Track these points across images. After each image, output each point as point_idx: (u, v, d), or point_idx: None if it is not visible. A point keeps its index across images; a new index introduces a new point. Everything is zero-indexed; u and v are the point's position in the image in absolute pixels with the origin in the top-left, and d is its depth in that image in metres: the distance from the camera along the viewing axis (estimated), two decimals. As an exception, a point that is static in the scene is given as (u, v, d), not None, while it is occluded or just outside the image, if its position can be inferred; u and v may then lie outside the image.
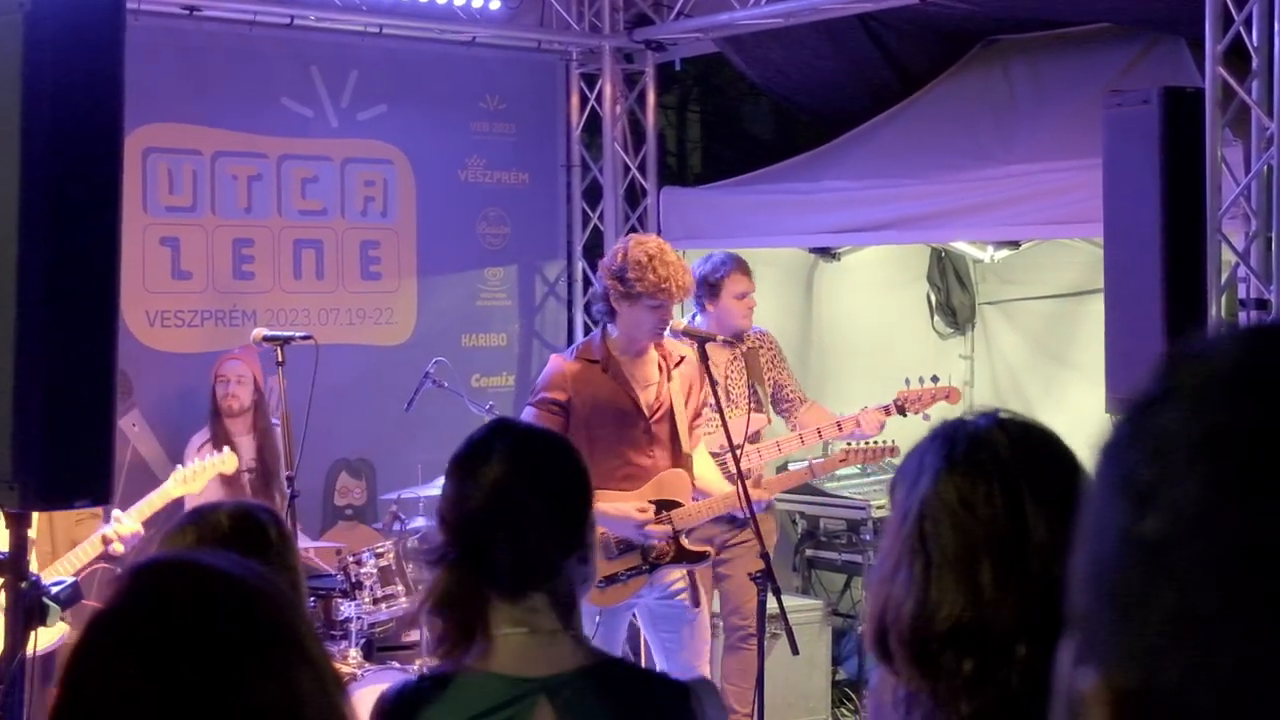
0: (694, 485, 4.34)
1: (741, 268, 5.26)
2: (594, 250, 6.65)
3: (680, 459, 4.28)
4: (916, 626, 1.38)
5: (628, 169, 6.92)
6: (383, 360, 6.30)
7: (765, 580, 4.01)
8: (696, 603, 4.27)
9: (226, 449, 4.88)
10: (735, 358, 5.28)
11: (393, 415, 6.04)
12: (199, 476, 4.65)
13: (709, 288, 5.23)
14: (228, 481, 4.89)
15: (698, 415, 4.41)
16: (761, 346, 5.41)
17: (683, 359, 4.32)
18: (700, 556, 4.28)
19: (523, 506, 1.85)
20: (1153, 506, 0.57)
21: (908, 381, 5.23)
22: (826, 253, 6.99)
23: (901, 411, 5.10)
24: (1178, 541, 0.56)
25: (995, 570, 1.36)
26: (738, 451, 4.09)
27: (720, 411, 4.24)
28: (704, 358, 4.26)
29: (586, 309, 7.00)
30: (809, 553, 6.54)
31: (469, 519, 1.86)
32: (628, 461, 4.19)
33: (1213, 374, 0.59)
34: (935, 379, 5.27)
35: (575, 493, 1.89)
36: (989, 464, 1.39)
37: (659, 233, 6.53)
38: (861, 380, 6.87)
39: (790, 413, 5.41)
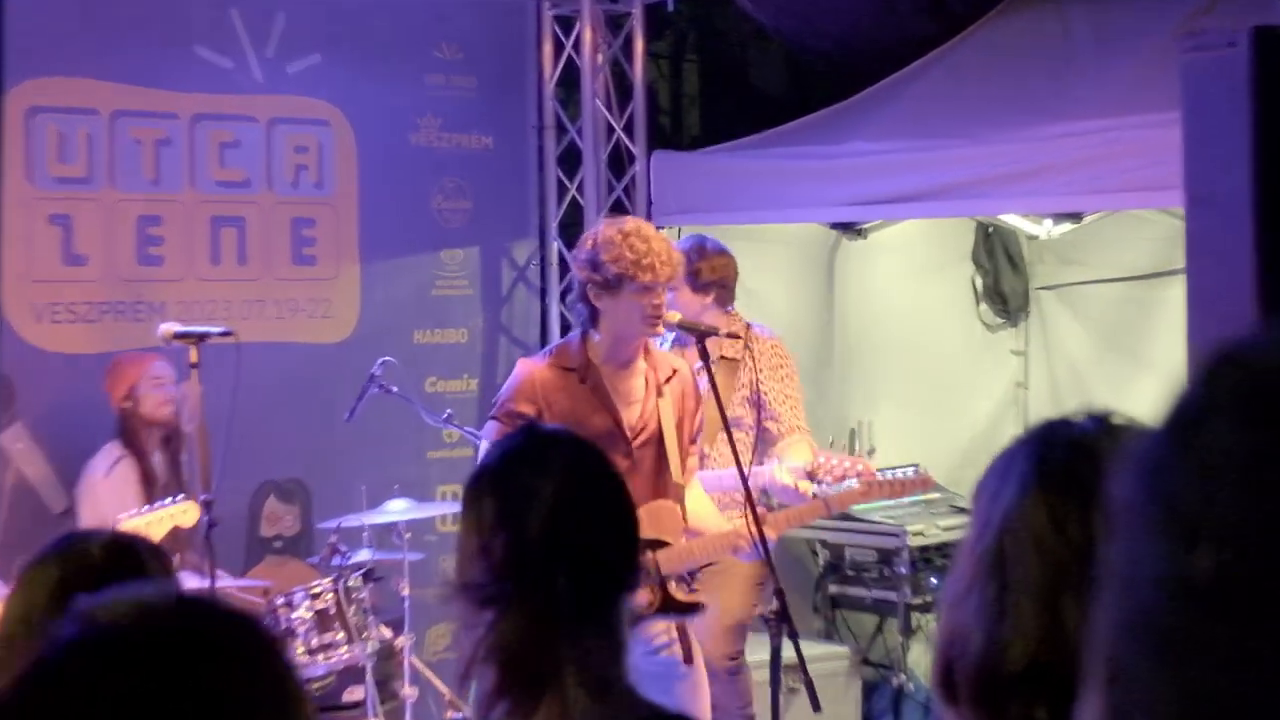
0: (685, 522, 4.34)
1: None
2: (572, 228, 6.64)
3: (668, 490, 4.28)
4: (985, 663, 1.39)
5: (611, 131, 6.91)
6: (319, 361, 6.29)
7: (781, 623, 3.99)
8: (689, 659, 4.24)
9: (182, 496, 4.82)
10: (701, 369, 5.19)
11: (331, 428, 6.01)
12: (154, 528, 4.55)
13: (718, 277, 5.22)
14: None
15: (692, 440, 4.40)
16: (745, 357, 5.19)
17: (674, 373, 4.33)
18: (691, 608, 4.25)
19: (589, 526, 1.92)
20: (1201, 538, 0.58)
21: (832, 444, 5.03)
22: (851, 229, 6.99)
23: (813, 478, 4.81)
24: (1233, 576, 0.57)
25: (1083, 605, 1.35)
26: (746, 472, 4.08)
27: (725, 422, 4.23)
28: (705, 356, 4.25)
29: (563, 298, 7.00)
30: (833, 589, 6.52)
31: (529, 545, 1.89)
32: None
33: (1257, 381, 0.59)
34: (871, 452, 5.06)
35: (632, 509, 2.01)
36: (1090, 479, 1.38)
37: (649, 206, 6.53)
38: (893, 383, 6.88)
39: (776, 440, 5.18)
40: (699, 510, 4.43)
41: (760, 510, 4.44)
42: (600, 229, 4.23)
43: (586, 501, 1.94)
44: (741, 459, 4.15)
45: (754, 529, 4.05)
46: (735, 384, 5.16)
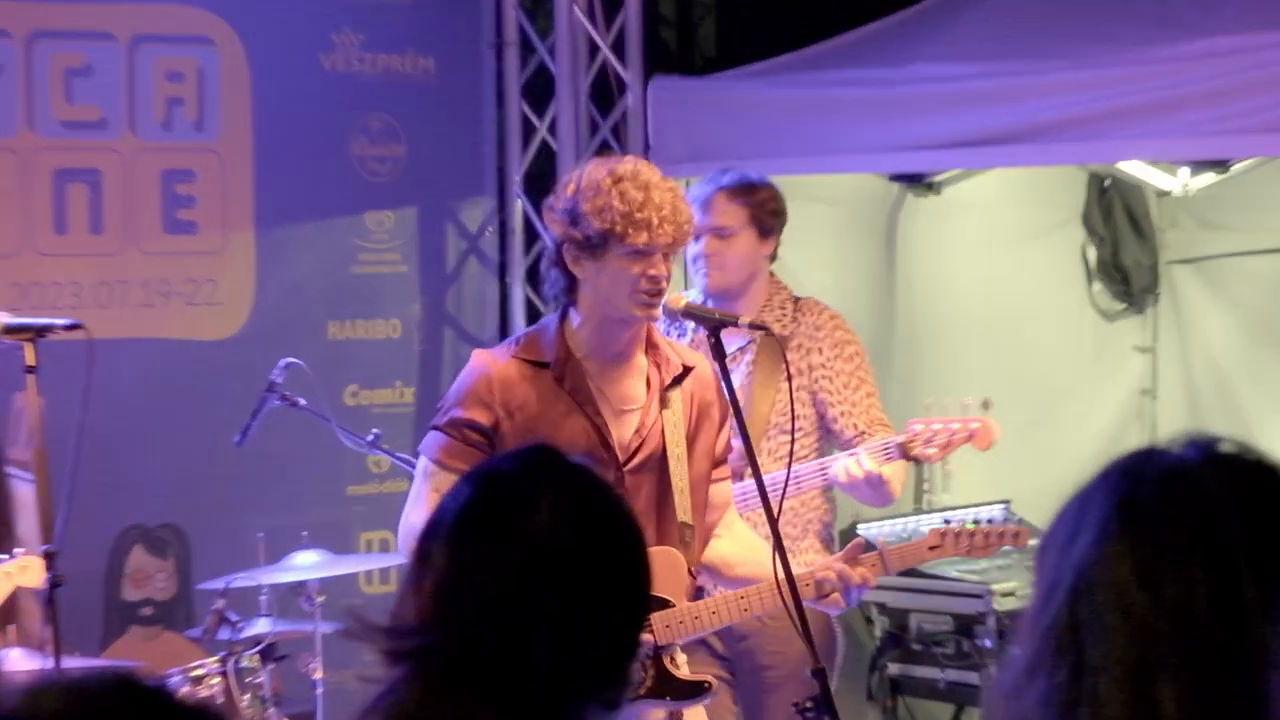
0: (706, 569, 4.36)
1: (730, 189, 5.23)
2: (541, 181, 6.64)
3: (671, 531, 4.28)
4: None
5: (595, 50, 6.91)
6: (200, 364, 6.30)
7: (820, 713, 3.99)
8: None
9: (21, 551, 4.81)
10: (739, 350, 5.23)
11: (217, 454, 6.01)
12: None
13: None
14: None
15: (720, 461, 4.41)
16: (795, 334, 5.28)
17: (688, 371, 4.32)
18: (696, 690, 4.26)
19: (579, 586, 2.00)
20: None
21: (928, 409, 5.12)
22: (918, 181, 7.00)
23: (907, 455, 5.02)
24: None
25: (1184, 687, 1.38)
26: (772, 506, 4.05)
27: (746, 442, 4.22)
28: (720, 355, 4.25)
29: (531, 278, 7.01)
30: (894, 669, 6.54)
31: (487, 598, 1.96)
32: None
33: None
34: (986, 405, 5.16)
35: (643, 565, 2.11)
36: (1190, 522, 1.41)
37: (645, 152, 6.53)
38: (974, 382, 6.86)
39: (852, 445, 5.30)
40: (741, 555, 4.43)
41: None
42: (586, 169, 4.23)
43: (589, 551, 2.01)
44: (765, 474, 4.11)
45: (781, 570, 4.03)
46: (778, 372, 5.16)
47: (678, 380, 4.30)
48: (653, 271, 4.14)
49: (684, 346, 4.55)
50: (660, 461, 4.26)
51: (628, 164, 4.22)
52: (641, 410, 4.27)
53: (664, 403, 4.29)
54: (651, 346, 4.31)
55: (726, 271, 5.21)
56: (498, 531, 1.99)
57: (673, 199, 4.16)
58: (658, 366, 4.30)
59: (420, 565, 2.01)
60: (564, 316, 4.27)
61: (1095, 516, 1.44)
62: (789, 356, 5.14)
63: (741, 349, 5.21)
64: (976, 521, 5.24)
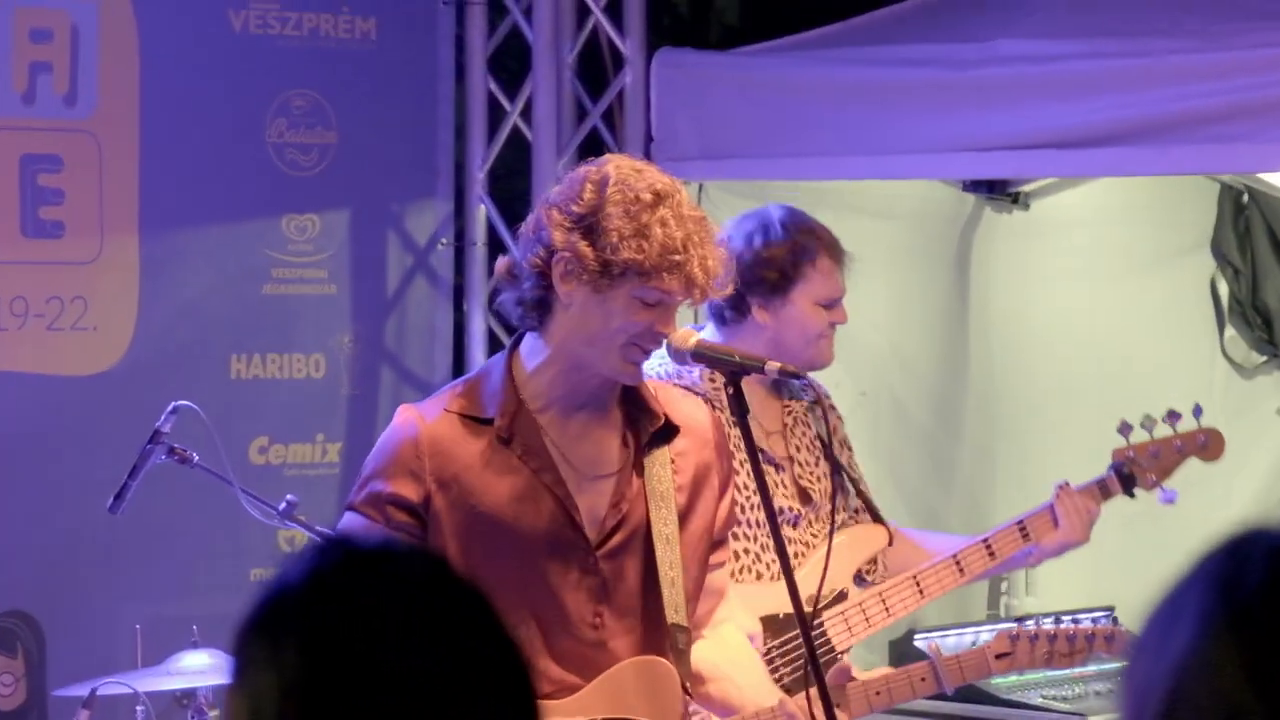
0: (697, 685, 4.35)
1: (830, 247, 5.31)
2: (511, 180, 6.65)
3: (659, 636, 4.29)
4: None
5: (584, 12, 6.94)
6: (64, 406, 6.31)
7: None
8: None
9: None
10: (800, 412, 5.30)
11: (84, 523, 6.00)
12: None
13: (760, 282, 5.27)
14: None
15: (720, 542, 4.43)
16: (831, 404, 5.41)
17: (671, 425, 4.34)
18: None
19: None
20: None
21: (1125, 430, 5.41)
22: (1000, 192, 7.01)
23: (1128, 486, 5.44)
24: None
25: None
26: (805, 607, 4.11)
27: (772, 518, 4.25)
28: (740, 408, 4.27)
29: (493, 303, 6.98)
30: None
31: None
32: (549, 647, 4.20)
33: None
34: (1173, 415, 5.49)
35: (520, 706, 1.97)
36: None
37: (647, 145, 6.54)
38: (1070, 456, 6.86)
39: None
40: (719, 668, 4.43)
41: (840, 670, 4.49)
42: (613, 168, 4.18)
43: (429, 686, 1.91)
44: (792, 565, 4.20)
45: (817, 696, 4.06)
46: (841, 441, 5.40)
47: (661, 437, 4.30)
48: (661, 328, 4.16)
49: (676, 392, 4.55)
50: (644, 543, 4.26)
51: (667, 182, 4.19)
52: (618, 476, 4.27)
53: (644, 466, 4.29)
54: (627, 394, 4.30)
55: None
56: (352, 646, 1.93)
57: (713, 246, 4.16)
58: (635, 419, 4.30)
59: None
60: (512, 354, 4.27)
61: (1193, 610, 1.47)
62: (838, 426, 5.39)
63: (792, 417, 5.32)
64: (1058, 621, 5.29)
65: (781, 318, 5.26)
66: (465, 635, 1.93)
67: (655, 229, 4.07)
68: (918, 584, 5.28)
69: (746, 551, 5.04)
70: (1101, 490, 5.43)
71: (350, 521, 4.21)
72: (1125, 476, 5.44)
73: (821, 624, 5.06)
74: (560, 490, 4.20)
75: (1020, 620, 5.46)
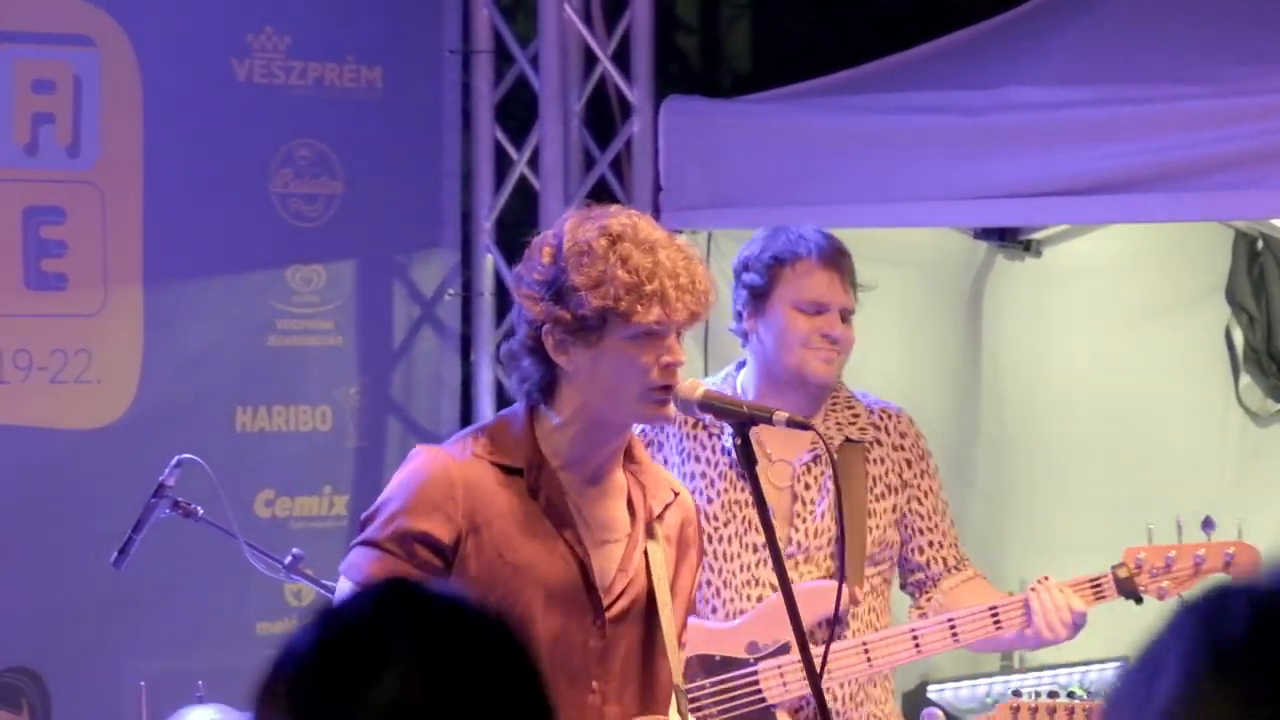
0: None
1: (823, 254, 5.30)
2: (518, 230, 6.65)
3: (660, 698, 4.33)
4: None
5: (591, 60, 6.94)
6: (68, 459, 6.30)
7: None
8: None
9: None
10: (812, 460, 5.31)
11: (88, 579, 5.99)
12: None
13: (744, 290, 5.29)
14: None
15: (691, 609, 4.50)
16: (879, 441, 5.42)
17: (673, 499, 4.37)
18: None
19: None
20: None
21: (1150, 536, 5.31)
22: (1012, 240, 7.00)
23: (1128, 592, 5.26)
24: None
25: None
26: (812, 653, 4.11)
27: (780, 569, 4.24)
28: (748, 460, 4.27)
29: (501, 356, 6.97)
30: None
31: None
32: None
33: None
34: (1209, 524, 5.35)
35: None
36: None
37: (655, 195, 6.54)
38: (1082, 500, 6.86)
39: (925, 586, 5.45)
40: None
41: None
42: (566, 226, 4.22)
43: None
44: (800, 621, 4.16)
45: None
46: (863, 489, 5.32)
47: (666, 508, 4.32)
48: (668, 359, 4.14)
49: (658, 467, 4.57)
50: (647, 609, 4.27)
51: (619, 217, 4.22)
52: (626, 542, 4.27)
53: (648, 534, 4.29)
54: (631, 459, 4.31)
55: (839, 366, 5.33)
56: (337, 704, 2.00)
57: (686, 261, 4.16)
58: (641, 487, 4.31)
59: None
60: (532, 412, 4.26)
61: (1176, 660, 1.47)
62: (869, 470, 5.32)
63: (814, 459, 5.28)
64: (1054, 695, 5.28)
65: (765, 325, 5.27)
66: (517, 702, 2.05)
67: (616, 270, 4.08)
68: (866, 651, 5.24)
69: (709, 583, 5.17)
70: (1095, 590, 5.24)
71: (362, 557, 4.14)
72: (1123, 580, 5.26)
73: (755, 672, 5.05)
74: (580, 549, 4.21)
75: (1016, 693, 5.46)
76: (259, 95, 6.67)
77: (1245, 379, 7.55)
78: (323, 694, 2.01)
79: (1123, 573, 5.23)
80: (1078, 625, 5.15)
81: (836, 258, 5.31)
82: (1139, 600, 5.25)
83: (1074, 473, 7.08)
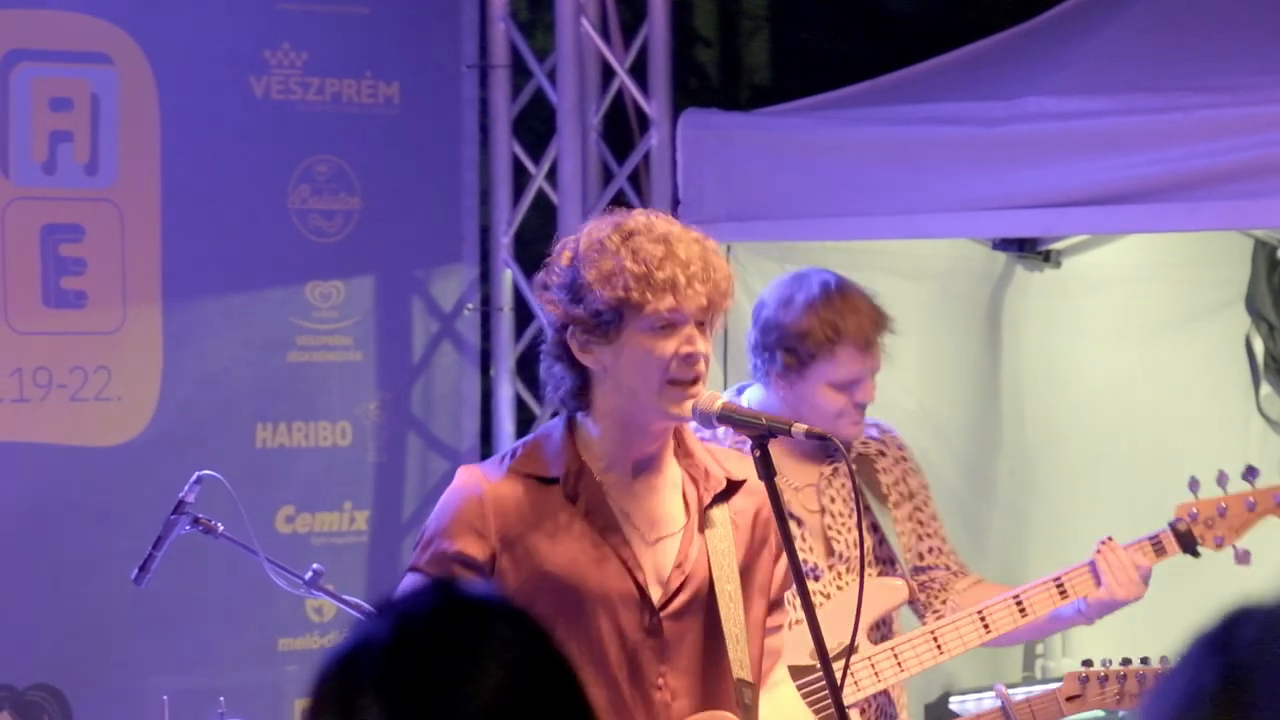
0: None
1: (858, 334, 5.29)
2: (537, 244, 6.65)
3: (723, 692, 4.29)
4: None
5: (609, 74, 6.95)
6: (88, 477, 6.30)
7: None
8: None
9: None
10: (832, 473, 5.33)
11: (109, 595, 5.99)
12: None
13: (785, 349, 5.28)
14: None
15: (777, 604, 4.44)
16: (883, 454, 5.47)
17: (736, 485, 4.34)
18: None
19: None
20: None
21: (1194, 486, 5.39)
22: (1031, 250, 6.99)
23: (1188, 545, 5.39)
24: None
25: None
26: (807, 659, 4.12)
27: (800, 579, 4.25)
28: (768, 471, 4.27)
29: (523, 371, 6.98)
30: None
31: None
32: (614, 708, 4.21)
33: None
34: (1252, 472, 5.44)
35: None
36: None
37: (674, 208, 6.54)
38: (1103, 511, 6.84)
39: (934, 589, 5.48)
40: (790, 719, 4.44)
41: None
42: (585, 229, 4.25)
43: None
44: (816, 629, 4.15)
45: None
46: (879, 499, 5.41)
47: (723, 495, 4.30)
48: (687, 349, 4.13)
49: (729, 452, 4.54)
50: (708, 601, 4.25)
51: (638, 217, 4.24)
52: (681, 536, 4.26)
53: (704, 523, 4.28)
54: (684, 451, 4.31)
55: None
56: (434, 701, 2.02)
57: (701, 251, 4.16)
58: (694, 478, 4.29)
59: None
60: (570, 421, 4.27)
61: (1191, 682, 1.48)
62: (880, 480, 5.38)
63: (834, 471, 5.33)
64: (1126, 661, 5.29)
65: (797, 392, 5.27)
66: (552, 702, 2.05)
67: (626, 261, 4.10)
68: (934, 638, 5.28)
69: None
70: (1155, 547, 5.37)
71: (411, 582, 4.18)
72: (1183, 534, 5.38)
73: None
74: (625, 551, 4.21)
75: (1087, 662, 5.47)
76: (276, 111, 6.68)
77: (1266, 388, 7.53)
78: (418, 693, 2.02)
79: (1181, 527, 5.36)
80: (1145, 580, 5.29)
81: (873, 332, 5.32)
82: (1196, 554, 5.38)
83: (1094, 483, 7.06)
